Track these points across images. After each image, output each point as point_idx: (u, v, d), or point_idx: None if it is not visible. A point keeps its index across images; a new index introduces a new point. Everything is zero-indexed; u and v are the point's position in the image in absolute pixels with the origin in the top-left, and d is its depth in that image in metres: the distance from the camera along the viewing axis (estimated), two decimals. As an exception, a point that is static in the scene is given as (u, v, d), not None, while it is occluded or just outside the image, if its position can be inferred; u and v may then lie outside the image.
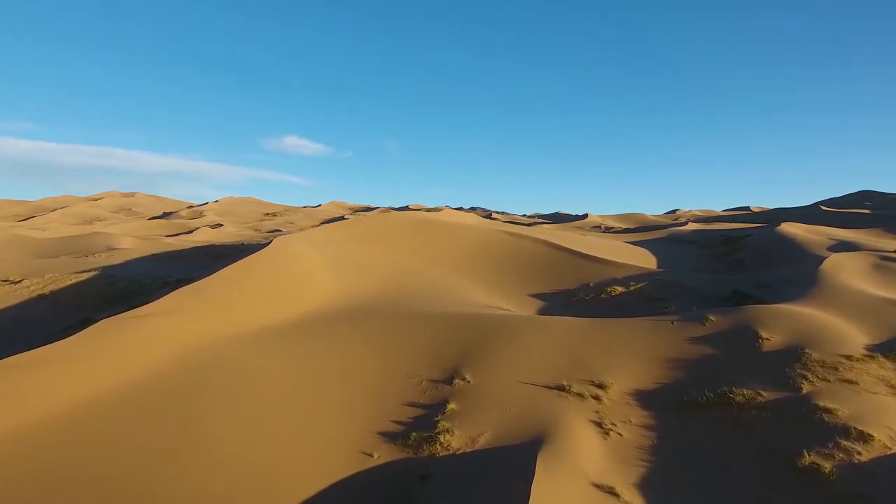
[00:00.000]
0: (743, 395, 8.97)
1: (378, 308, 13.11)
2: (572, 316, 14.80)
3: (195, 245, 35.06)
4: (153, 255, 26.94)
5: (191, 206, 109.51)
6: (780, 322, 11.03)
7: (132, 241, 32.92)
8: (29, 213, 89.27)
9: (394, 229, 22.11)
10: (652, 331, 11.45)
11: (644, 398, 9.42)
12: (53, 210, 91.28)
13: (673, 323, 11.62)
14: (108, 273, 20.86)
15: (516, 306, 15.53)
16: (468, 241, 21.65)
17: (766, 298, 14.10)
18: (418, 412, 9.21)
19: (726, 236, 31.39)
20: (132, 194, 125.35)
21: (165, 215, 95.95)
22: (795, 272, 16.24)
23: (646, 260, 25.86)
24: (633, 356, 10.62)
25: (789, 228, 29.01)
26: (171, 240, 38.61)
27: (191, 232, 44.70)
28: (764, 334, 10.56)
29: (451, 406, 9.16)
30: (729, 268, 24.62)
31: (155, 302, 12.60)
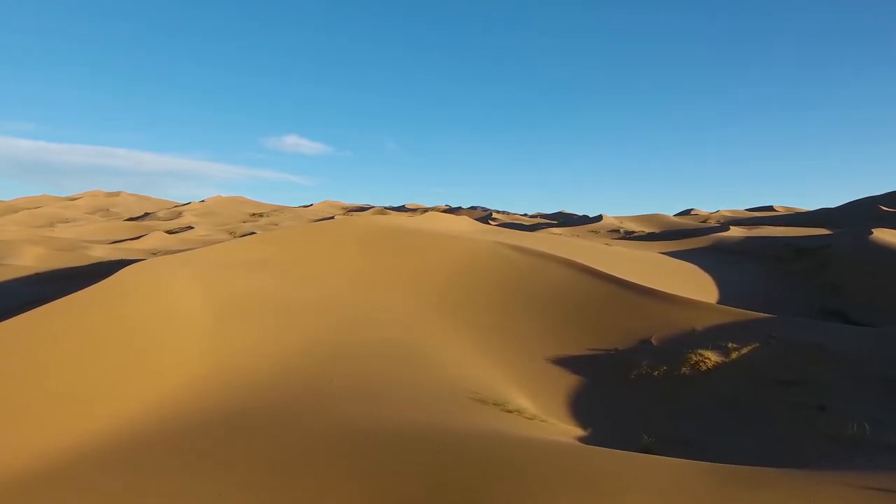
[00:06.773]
0: None
1: (265, 417, 6.33)
2: (636, 418, 7.93)
3: (138, 254, 28.45)
4: (38, 274, 20.29)
5: (175, 206, 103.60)
6: None
7: (39, 253, 26.22)
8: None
9: (340, 244, 14.96)
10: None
11: None
12: (23, 210, 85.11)
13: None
14: (-79, 310, 14.14)
15: (530, 393, 8.72)
16: (455, 262, 14.61)
17: None
18: None
19: (794, 246, 24.38)
20: (116, 194, 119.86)
21: (145, 216, 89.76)
22: None
23: (702, 284, 18.97)
24: None
25: (886, 237, 21.96)
26: (103, 249, 31.91)
27: (138, 238, 38.01)
28: None
29: None
30: (821, 294, 17.72)
31: None
